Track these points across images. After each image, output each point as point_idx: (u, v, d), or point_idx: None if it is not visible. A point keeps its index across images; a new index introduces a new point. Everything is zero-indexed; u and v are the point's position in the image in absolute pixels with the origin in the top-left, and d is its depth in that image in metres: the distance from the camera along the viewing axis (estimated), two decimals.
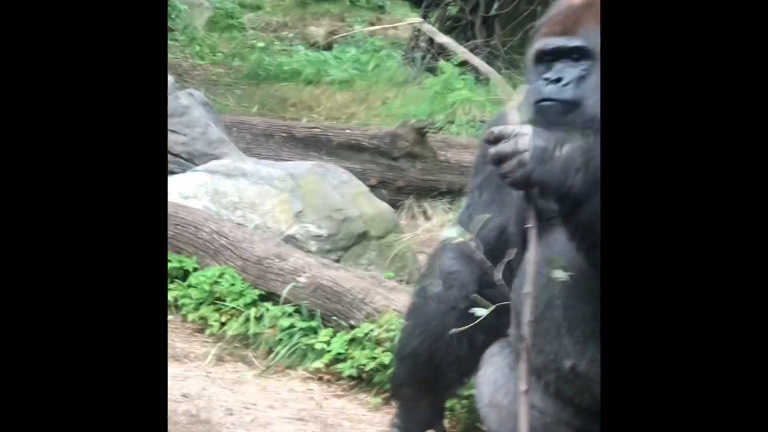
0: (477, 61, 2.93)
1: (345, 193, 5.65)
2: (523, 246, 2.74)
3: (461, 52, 2.88)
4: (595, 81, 2.77)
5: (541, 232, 2.65)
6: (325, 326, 4.35)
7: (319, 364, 4.18)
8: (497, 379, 2.98)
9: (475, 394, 3.12)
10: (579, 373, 2.82)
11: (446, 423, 3.52)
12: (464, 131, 8.51)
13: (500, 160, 2.62)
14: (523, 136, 2.60)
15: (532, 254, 2.59)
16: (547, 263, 2.68)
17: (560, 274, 2.67)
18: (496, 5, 10.73)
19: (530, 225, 2.62)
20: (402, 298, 4.25)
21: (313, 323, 4.34)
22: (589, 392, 2.83)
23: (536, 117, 2.77)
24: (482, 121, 8.73)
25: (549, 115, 2.77)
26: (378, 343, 4.04)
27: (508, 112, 2.67)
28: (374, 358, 4.01)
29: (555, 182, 2.60)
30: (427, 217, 6.89)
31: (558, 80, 2.79)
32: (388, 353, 3.96)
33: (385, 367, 3.97)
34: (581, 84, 2.78)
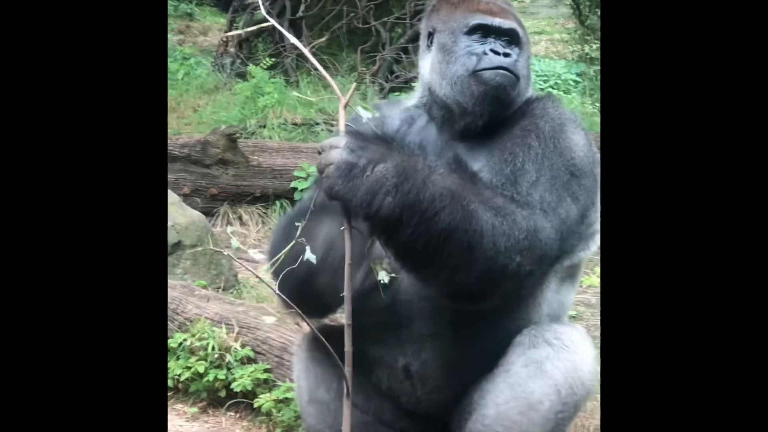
0: (315, 64, 2.87)
1: None
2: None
3: (308, 55, 2.81)
4: (525, 66, 2.88)
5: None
6: None
7: None
8: (318, 376, 2.99)
9: (296, 391, 3.12)
10: (411, 372, 2.86)
11: (264, 428, 3.54)
12: (276, 135, 8.50)
13: (318, 170, 2.61)
14: (335, 149, 2.58)
15: (346, 258, 2.57)
16: (372, 263, 2.69)
17: (383, 276, 2.69)
18: (302, 7, 10.76)
19: (343, 228, 2.60)
20: (215, 307, 4.23)
21: None
22: (417, 394, 2.88)
23: (481, 86, 2.81)
24: (294, 124, 8.75)
25: (502, 84, 2.80)
26: (192, 352, 4.02)
27: (343, 116, 2.63)
28: (189, 368, 3.98)
29: (358, 201, 2.55)
30: (243, 223, 6.87)
31: (507, 55, 2.83)
32: (203, 362, 3.94)
33: (200, 375, 3.95)
34: (516, 63, 2.84)
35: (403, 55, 9.91)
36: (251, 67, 9.73)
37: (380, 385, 2.91)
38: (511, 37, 2.86)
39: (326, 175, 2.56)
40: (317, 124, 8.76)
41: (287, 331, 3.90)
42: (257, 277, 2.71)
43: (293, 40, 2.84)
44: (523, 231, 2.64)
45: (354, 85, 2.79)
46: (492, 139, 2.83)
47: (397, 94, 8.88)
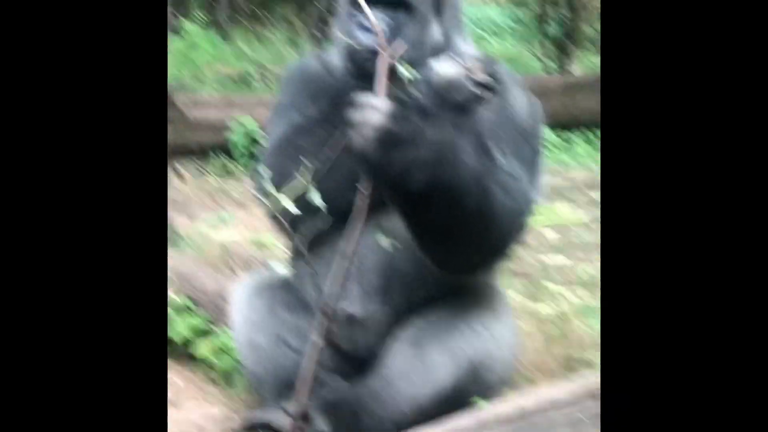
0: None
1: None
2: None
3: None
4: (413, 32, 2.81)
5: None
6: None
7: None
8: (255, 321, 3.01)
9: (234, 338, 3.15)
10: (354, 321, 2.90)
11: (204, 376, 3.56)
12: (211, 88, 8.47)
13: (353, 124, 2.57)
14: (376, 111, 2.56)
15: (356, 219, 2.58)
16: (375, 225, 2.70)
17: (384, 242, 2.70)
18: None
19: (363, 190, 2.59)
20: None
21: None
22: (356, 340, 2.93)
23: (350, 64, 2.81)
24: (230, 77, 8.71)
25: (362, 56, 2.77)
26: None
27: (380, 78, 2.59)
28: None
29: (392, 173, 2.55)
30: (181, 178, 6.84)
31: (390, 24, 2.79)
32: None
33: None
34: (400, 32, 2.80)
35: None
36: (185, 22, 9.66)
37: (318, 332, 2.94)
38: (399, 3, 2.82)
39: (361, 135, 2.54)
40: (252, 77, 8.74)
41: (224, 280, 3.91)
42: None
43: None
44: (522, 206, 2.73)
45: (402, 43, 2.68)
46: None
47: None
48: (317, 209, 2.60)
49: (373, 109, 2.55)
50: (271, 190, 2.58)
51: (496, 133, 2.74)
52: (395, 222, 2.71)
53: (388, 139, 2.53)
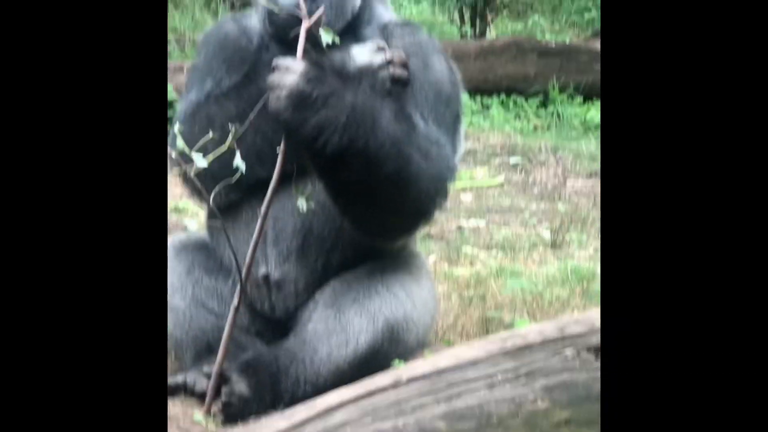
0: None
1: None
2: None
3: None
4: None
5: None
6: None
7: None
8: (173, 283, 3.00)
9: None
10: (270, 281, 2.92)
11: None
12: (176, 55, 8.41)
13: (268, 86, 2.59)
14: (290, 74, 2.57)
15: (273, 179, 2.59)
16: (294, 187, 2.69)
17: (302, 203, 2.69)
18: None
19: (280, 148, 2.60)
20: None
21: None
22: (272, 300, 2.94)
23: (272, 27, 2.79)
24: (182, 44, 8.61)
25: (281, 21, 2.75)
26: None
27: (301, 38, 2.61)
28: None
29: (305, 133, 2.57)
30: None
31: None
32: None
33: None
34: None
35: None
36: None
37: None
38: None
39: (276, 96, 2.56)
40: (169, 42, 8.65)
41: None
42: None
43: None
44: (442, 171, 2.75)
45: (323, 8, 2.68)
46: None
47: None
48: (235, 171, 2.60)
49: (288, 70, 2.57)
50: (185, 149, 2.57)
51: (418, 98, 2.77)
52: (314, 185, 2.72)
53: (301, 100, 2.55)
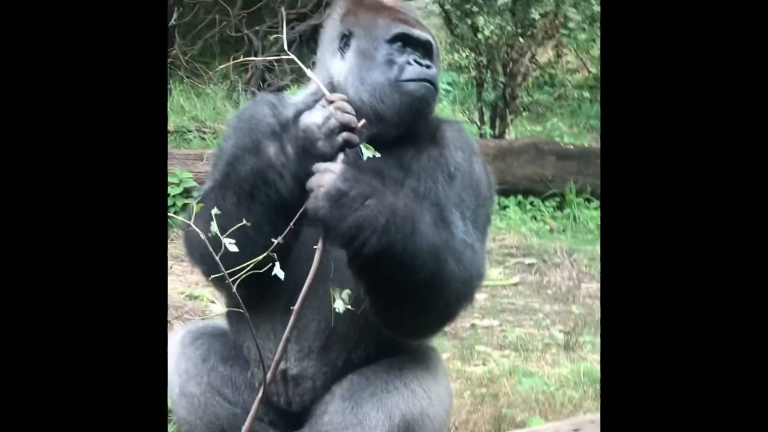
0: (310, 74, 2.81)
1: None
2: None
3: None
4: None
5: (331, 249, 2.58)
6: None
7: None
8: (189, 370, 3.00)
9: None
10: (288, 376, 2.91)
11: None
12: (195, 144, 8.51)
13: (308, 188, 2.54)
14: (329, 173, 2.54)
15: (309, 276, 2.54)
16: (330, 287, 2.63)
17: (339, 305, 2.63)
18: (175, 15, 10.71)
19: (317, 247, 2.55)
20: None
21: None
22: (289, 395, 2.94)
23: (405, 96, 2.80)
24: (203, 132, 8.70)
25: (426, 96, 2.80)
26: None
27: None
28: None
29: (342, 231, 2.54)
30: None
31: (429, 66, 2.82)
32: None
33: None
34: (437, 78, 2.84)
35: (275, 64, 9.93)
36: None
37: (254, 381, 2.96)
38: (427, 50, 2.87)
39: (315, 196, 2.53)
40: (189, 131, 8.73)
41: None
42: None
43: (291, 56, 2.72)
44: (473, 275, 2.75)
45: (364, 121, 2.61)
46: (399, 153, 2.86)
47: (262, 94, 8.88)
48: (271, 277, 2.59)
49: (327, 171, 2.55)
50: (218, 233, 2.55)
51: (462, 196, 2.80)
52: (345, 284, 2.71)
53: (339, 198, 2.53)
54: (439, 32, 11.67)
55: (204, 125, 8.81)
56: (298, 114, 2.71)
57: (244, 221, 2.55)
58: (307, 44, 9.92)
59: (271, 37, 10.44)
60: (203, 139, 8.61)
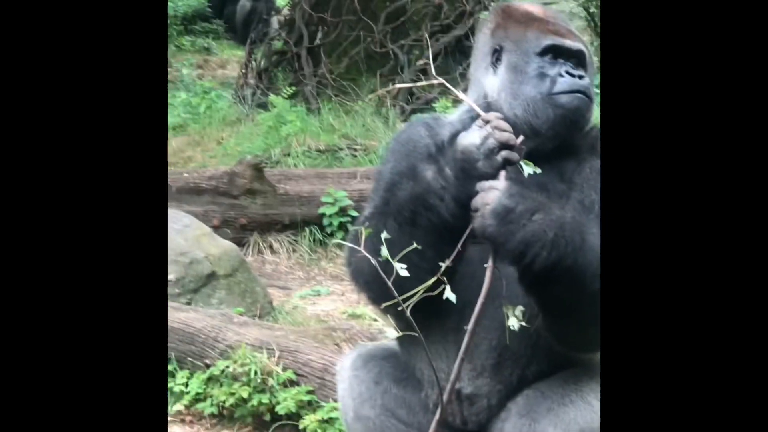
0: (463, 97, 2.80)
1: (188, 236, 5.68)
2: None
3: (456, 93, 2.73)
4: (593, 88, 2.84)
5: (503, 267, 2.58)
6: (182, 368, 4.36)
7: (179, 406, 4.20)
8: (362, 393, 3.01)
9: (340, 408, 3.15)
10: (462, 395, 2.90)
11: None
12: (301, 162, 8.57)
13: (473, 208, 2.55)
14: (493, 191, 2.54)
15: (481, 295, 2.55)
16: (504, 305, 2.64)
17: (514, 323, 2.62)
18: (320, 35, 10.84)
19: (487, 265, 2.56)
20: (253, 332, 4.29)
21: (169, 367, 4.36)
22: (464, 414, 2.92)
23: (558, 109, 2.78)
24: (318, 151, 8.80)
25: (580, 108, 2.79)
26: (235, 378, 4.07)
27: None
28: (233, 394, 4.04)
29: (511, 247, 2.54)
30: (274, 251, 6.93)
31: (581, 77, 2.80)
32: (246, 387, 3.99)
33: (244, 401, 4.00)
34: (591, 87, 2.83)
35: (422, 77, 9.94)
36: (272, 97, 9.81)
37: (428, 402, 2.95)
38: (579, 59, 2.84)
39: (481, 214, 2.54)
40: (341, 149, 8.82)
41: (327, 353, 3.95)
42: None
43: (441, 80, 2.76)
44: None
45: (522, 137, 2.60)
46: (558, 166, 2.83)
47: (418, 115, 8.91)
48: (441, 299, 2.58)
49: (491, 189, 2.56)
50: (389, 257, 2.54)
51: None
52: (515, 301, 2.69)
53: (506, 214, 2.53)
54: (582, 34, 11.55)
55: (355, 143, 8.89)
56: (455, 135, 2.70)
57: (414, 244, 2.56)
58: (453, 56, 9.93)
59: (416, 51, 10.47)
60: (354, 156, 8.68)
